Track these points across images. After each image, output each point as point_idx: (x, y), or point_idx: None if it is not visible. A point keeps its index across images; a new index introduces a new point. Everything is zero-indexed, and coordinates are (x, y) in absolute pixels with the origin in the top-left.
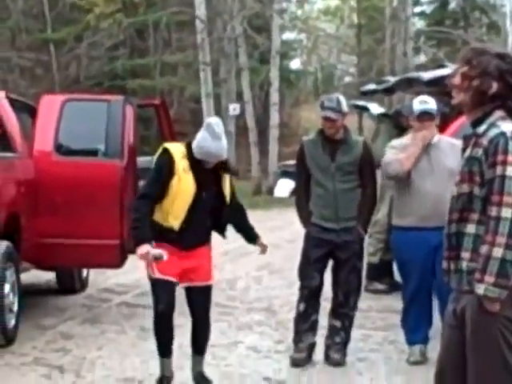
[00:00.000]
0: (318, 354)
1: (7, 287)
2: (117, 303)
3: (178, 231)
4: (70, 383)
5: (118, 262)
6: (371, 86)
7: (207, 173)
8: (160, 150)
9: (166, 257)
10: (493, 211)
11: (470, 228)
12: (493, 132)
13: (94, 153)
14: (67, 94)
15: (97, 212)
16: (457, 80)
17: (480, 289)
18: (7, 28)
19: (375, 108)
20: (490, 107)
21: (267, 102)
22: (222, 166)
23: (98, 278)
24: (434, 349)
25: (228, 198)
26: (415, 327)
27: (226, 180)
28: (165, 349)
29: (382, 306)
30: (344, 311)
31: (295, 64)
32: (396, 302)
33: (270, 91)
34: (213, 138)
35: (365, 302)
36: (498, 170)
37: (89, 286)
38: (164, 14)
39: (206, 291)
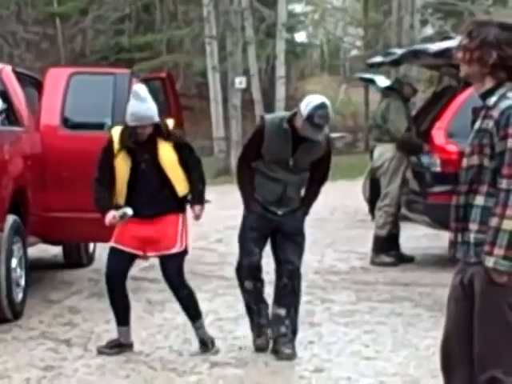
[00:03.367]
0: (321, 328)
1: (14, 261)
2: None
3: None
4: (77, 357)
5: None
6: (378, 59)
7: (143, 144)
8: None
9: (130, 212)
10: (503, 184)
11: (479, 200)
12: (504, 104)
13: (100, 126)
14: (73, 67)
15: None
16: (460, 53)
17: (489, 262)
18: (13, 2)
19: (382, 81)
20: (500, 78)
21: (273, 75)
22: (157, 132)
23: (105, 252)
24: (437, 324)
25: (169, 168)
26: None
27: (166, 148)
28: (119, 316)
29: (389, 278)
30: (287, 295)
31: (301, 37)
32: (402, 274)
33: (276, 65)
34: (139, 101)
35: (371, 274)
36: (510, 142)
37: (95, 260)
38: None
39: (173, 259)
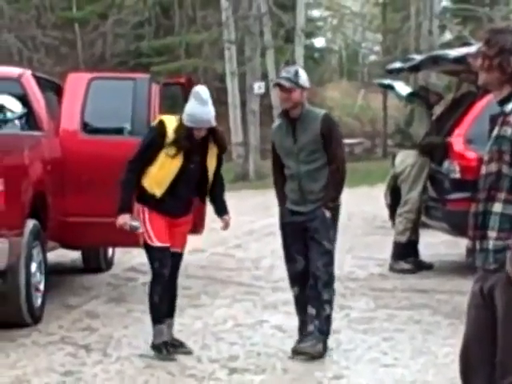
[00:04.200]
0: (339, 335)
1: (34, 266)
2: (142, 282)
3: (160, 199)
4: (96, 362)
5: None
6: (397, 64)
7: (197, 145)
8: (156, 121)
9: (141, 229)
10: None
11: (497, 207)
12: None
13: (119, 131)
14: (93, 72)
15: None
16: (478, 61)
17: None
18: (32, 6)
19: (401, 87)
20: None
21: None
22: (211, 135)
23: (124, 257)
24: (455, 331)
25: (211, 172)
26: None
27: (213, 153)
28: (160, 313)
29: (408, 285)
30: (314, 295)
31: (320, 42)
32: (421, 281)
33: None
34: (200, 103)
35: (390, 281)
36: None
37: (114, 265)
38: None
39: (179, 258)
